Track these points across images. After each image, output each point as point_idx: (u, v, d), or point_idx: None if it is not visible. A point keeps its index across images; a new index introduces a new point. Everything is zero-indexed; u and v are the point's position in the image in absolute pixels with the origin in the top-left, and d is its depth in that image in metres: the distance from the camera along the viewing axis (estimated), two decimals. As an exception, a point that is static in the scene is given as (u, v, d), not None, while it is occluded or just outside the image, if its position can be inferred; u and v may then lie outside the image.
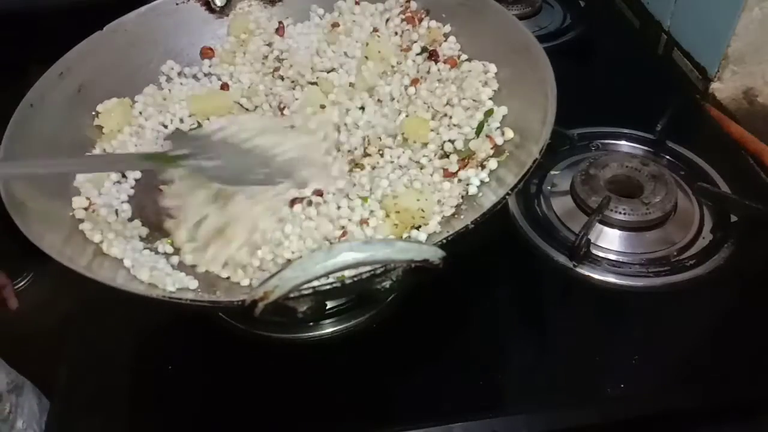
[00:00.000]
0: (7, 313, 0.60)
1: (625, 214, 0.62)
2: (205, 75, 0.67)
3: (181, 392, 0.53)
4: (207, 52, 0.67)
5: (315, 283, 0.36)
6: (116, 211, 0.53)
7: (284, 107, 0.63)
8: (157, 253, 0.51)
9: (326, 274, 0.34)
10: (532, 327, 0.58)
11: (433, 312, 0.56)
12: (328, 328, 0.55)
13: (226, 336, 0.56)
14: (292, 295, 0.35)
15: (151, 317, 0.57)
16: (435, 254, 0.37)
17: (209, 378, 0.54)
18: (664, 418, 0.51)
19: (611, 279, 0.58)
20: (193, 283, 0.48)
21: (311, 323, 0.55)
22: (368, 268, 0.37)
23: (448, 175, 0.54)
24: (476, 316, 0.58)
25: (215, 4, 0.67)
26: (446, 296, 0.57)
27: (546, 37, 0.89)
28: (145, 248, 0.51)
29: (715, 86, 0.80)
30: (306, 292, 0.37)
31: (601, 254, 0.60)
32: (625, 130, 0.73)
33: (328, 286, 0.37)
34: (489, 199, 0.49)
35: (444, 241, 0.41)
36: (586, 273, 0.59)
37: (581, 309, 0.59)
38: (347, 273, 0.38)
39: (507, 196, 0.44)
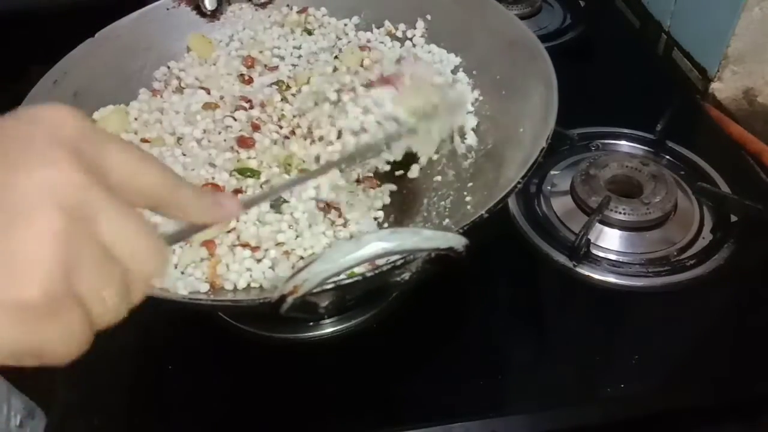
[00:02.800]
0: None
1: (625, 214, 0.62)
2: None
3: (181, 392, 0.53)
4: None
5: (336, 278, 0.36)
6: None
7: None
8: None
9: (356, 265, 0.34)
10: (532, 327, 0.58)
11: (433, 312, 0.56)
12: (328, 328, 0.55)
13: (226, 336, 0.56)
14: (315, 290, 0.35)
15: (151, 317, 0.56)
16: (459, 242, 0.37)
17: (209, 378, 0.54)
18: (664, 418, 0.51)
19: (611, 279, 0.58)
20: (204, 286, 0.48)
21: (311, 323, 0.55)
22: (387, 260, 0.37)
23: None
24: (476, 316, 0.58)
25: (206, 8, 0.67)
26: (446, 296, 0.57)
27: (546, 37, 0.89)
28: None
29: (715, 86, 0.80)
30: (328, 286, 0.36)
31: (601, 254, 0.60)
32: (625, 130, 0.73)
33: (349, 280, 0.37)
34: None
35: (462, 230, 0.41)
36: (586, 273, 0.59)
37: (581, 309, 0.59)
38: (358, 270, 0.38)
39: (518, 185, 0.45)
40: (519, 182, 0.45)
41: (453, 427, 0.48)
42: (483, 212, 0.43)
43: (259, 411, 0.51)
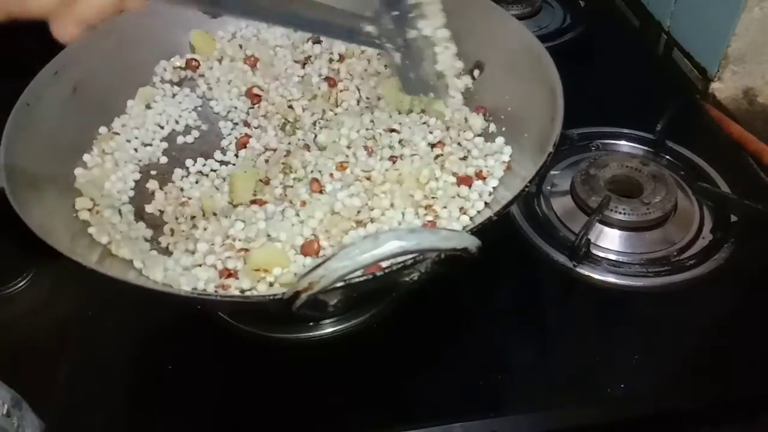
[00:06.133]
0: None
1: (625, 214, 0.62)
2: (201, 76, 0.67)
3: (181, 392, 0.53)
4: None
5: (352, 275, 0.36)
6: (119, 212, 0.53)
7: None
8: (164, 253, 0.51)
9: (374, 263, 0.34)
10: (533, 327, 0.58)
11: (433, 312, 0.56)
12: (328, 328, 0.55)
13: (226, 336, 0.56)
14: (331, 288, 0.35)
15: (150, 317, 0.57)
16: (473, 243, 0.37)
17: (209, 378, 0.54)
18: (664, 418, 0.51)
19: (611, 279, 0.58)
20: (210, 287, 0.48)
21: (311, 323, 0.55)
22: (398, 259, 0.37)
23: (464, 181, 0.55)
24: (476, 316, 0.58)
25: None
26: (446, 296, 0.57)
27: (546, 37, 0.89)
28: (151, 249, 0.51)
29: (715, 86, 0.80)
30: (337, 285, 0.36)
31: (601, 254, 0.60)
32: (625, 130, 0.73)
33: (359, 279, 0.37)
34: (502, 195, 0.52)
35: (471, 231, 0.42)
36: (586, 273, 0.59)
37: (581, 309, 0.59)
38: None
39: (526, 189, 0.45)
40: (527, 186, 0.45)
41: (453, 427, 0.48)
42: (492, 215, 0.44)
43: (259, 411, 0.51)
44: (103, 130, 0.59)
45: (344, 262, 0.34)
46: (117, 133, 0.59)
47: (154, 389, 0.54)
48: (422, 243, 0.34)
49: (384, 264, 0.37)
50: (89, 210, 0.52)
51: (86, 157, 0.56)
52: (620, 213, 0.62)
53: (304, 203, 0.54)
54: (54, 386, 0.53)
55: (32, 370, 0.54)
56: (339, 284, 0.36)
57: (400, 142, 0.59)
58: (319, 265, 0.34)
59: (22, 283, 0.62)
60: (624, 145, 0.73)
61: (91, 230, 0.50)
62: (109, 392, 0.53)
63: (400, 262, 0.38)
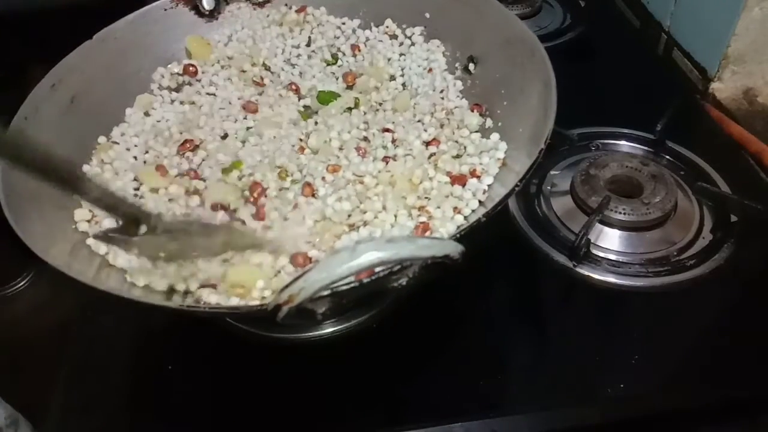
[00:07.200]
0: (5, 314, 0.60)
1: (625, 214, 0.62)
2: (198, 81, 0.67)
3: (180, 393, 0.53)
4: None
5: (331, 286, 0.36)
6: (117, 222, 0.53)
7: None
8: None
9: (351, 274, 0.34)
10: (532, 327, 0.58)
11: (433, 312, 0.56)
12: (328, 328, 0.55)
13: (225, 336, 0.56)
14: (310, 300, 0.35)
15: (150, 318, 0.57)
16: (455, 249, 0.37)
17: (209, 378, 0.54)
18: (664, 418, 0.51)
19: (611, 279, 0.58)
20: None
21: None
22: (385, 266, 0.37)
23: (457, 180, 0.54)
24: (476, 316, 0.58)
25: (204, 8, 0.67)
26: (446, 296, 0.57)
27: (546, 37, 0.89)
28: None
29: (715, 86, 0.80)
30: (324, 293, 0.36)
31: (601, 254, 0.60)
32: (625, 130, 0.73)
33: (345, 287, 0.37)
34: (497, 193, 0.51)
35: (458, 235, 0.41)
36: (586, 273, 0.59)
37: (581, 309, 0.59)
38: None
39: (517, 187, 0.45)
40: (517, 184, 0.45)
41: (453, 427, 0.48)
42: (481, 216, 0.44)
43: (259, 411, 0.51)
44: (102, 139, 0.58)
45: (323, 273, 0.34)
46: (116, 142, 0.59)
47: (154, 389, 0.54)
48: (401, 253, 0.34)
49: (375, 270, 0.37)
50: (88, 221, 0.51)
51: (85, 167, 0.56)
52: (620, 213, 0.62)
53: (296, 207, 0.54)
54: (54, 386, 0.53)
55: (32, 370, 0.54)
56: (324, 293, 0.36)
57: (393, 141, 0.59)
58: (298, 277, 0.35)
59: (22, 283, 0.62)
60: (624, 145, 0.73)
61: (89, 241, 0.50)
62: (109, 392, 0.53)
63: (387, 269, 0.38)
